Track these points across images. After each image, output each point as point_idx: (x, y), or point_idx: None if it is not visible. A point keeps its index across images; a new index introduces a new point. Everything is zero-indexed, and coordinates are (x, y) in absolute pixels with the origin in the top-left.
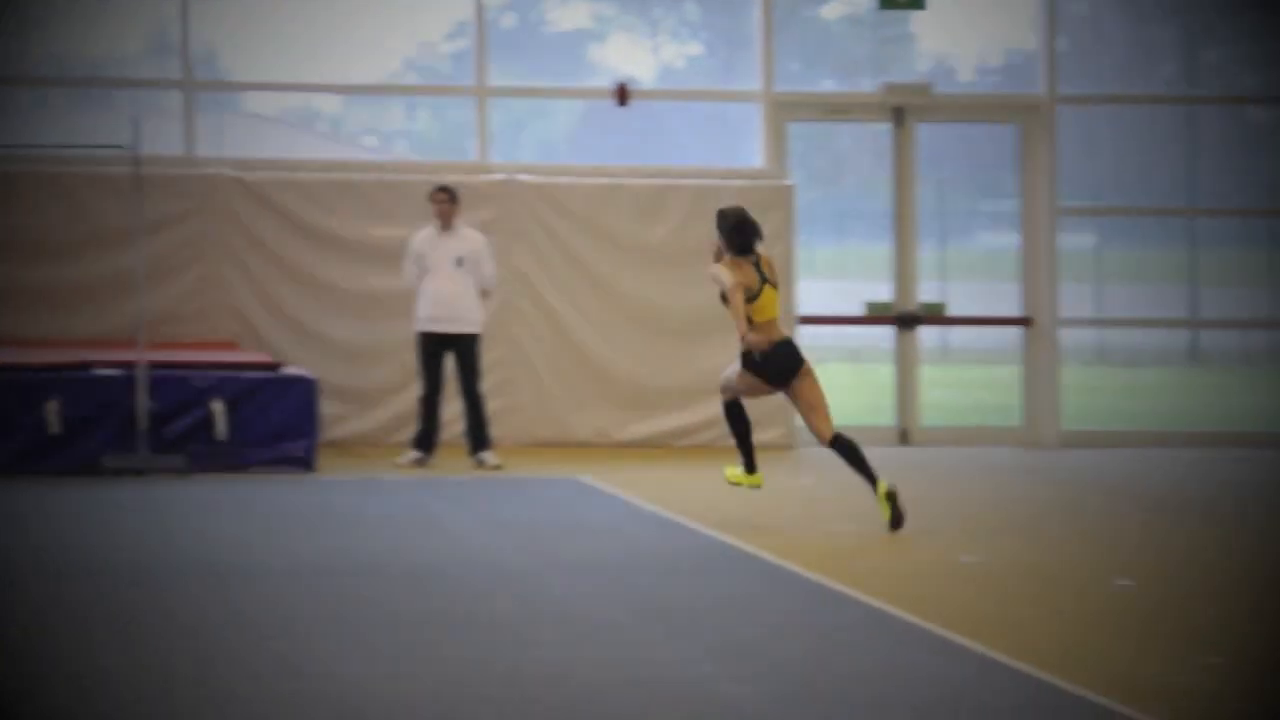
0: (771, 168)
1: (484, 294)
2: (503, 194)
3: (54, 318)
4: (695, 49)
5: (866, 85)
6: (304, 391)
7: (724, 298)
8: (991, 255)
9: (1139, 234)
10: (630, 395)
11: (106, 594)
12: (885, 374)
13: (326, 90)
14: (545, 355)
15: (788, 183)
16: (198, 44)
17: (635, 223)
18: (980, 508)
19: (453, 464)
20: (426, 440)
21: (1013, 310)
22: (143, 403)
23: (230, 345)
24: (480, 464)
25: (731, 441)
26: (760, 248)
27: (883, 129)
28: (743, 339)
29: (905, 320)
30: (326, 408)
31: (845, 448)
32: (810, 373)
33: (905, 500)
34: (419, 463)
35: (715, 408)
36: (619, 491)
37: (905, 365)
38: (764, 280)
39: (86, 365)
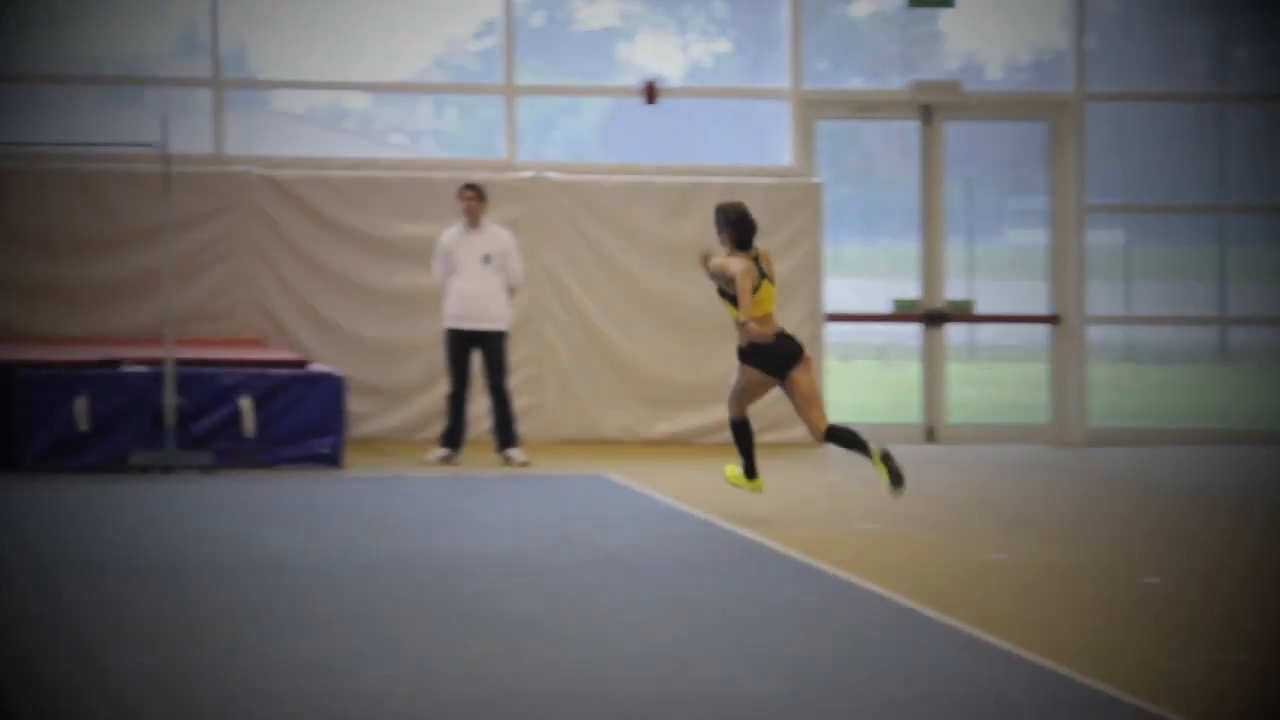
0: (800, 165)
1: (512, 291)
2: (531, 192)
3: (83, 315)
4: (723, 47)
5: (895, 83)
6: (331, 389)
7: (723, 293)
8: (1020, 253)
9: (1168, 231)
10: (657, 393)
11: (133, 590)
12: (912, 372)
13: (355, 88)
14: (572, 353)
15: (816, 180)
16: (227, 43)
17: (663, 221)
18: (1007, 505)
19: (480, 461)
20: (454, 437)
21: (1041, 308)
22: (171, 400)
23: (258, 343)
24: (507, 461)
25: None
26: (759, 243)
27: (911, 127)
28: (744, 328)
29: (933, 318)
30: (354, 405)
31: (840, 435)
32: (809, 364)
33: (934, 498)
34: (446, 460)
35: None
36: (646, 489)
37: (933, 363)
38: (763, 275)
39: (115, 363)
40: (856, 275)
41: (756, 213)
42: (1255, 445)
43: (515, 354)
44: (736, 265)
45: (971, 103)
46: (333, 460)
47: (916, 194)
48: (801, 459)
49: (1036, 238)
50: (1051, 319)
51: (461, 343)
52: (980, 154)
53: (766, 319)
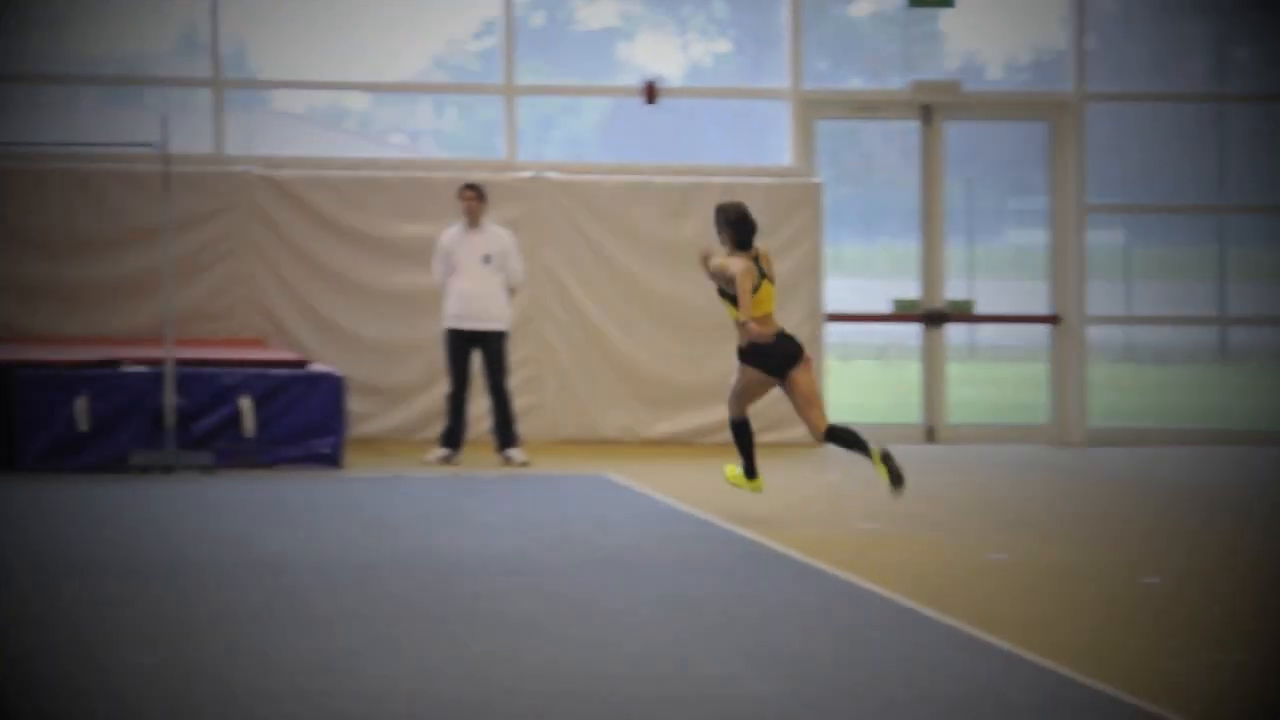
0: (799, 165)
1: (512, 291)
2: (530, 192)
3: (83, 315)
4: (723, 47)
5: (895, 83)
6: (331, 389)
7: (723, 293)
8: (1020, 253)
9: (1168, 231)
10: (657, 393)
11: (133, 590)
12: (912, 371)
13: (355, 88)
14: (572, 353)
15: (816, 180)
16: (227, 43)
17: (663, 221)
18: (1007, 505)
19: (480, 461)
20: (454, 437)
21: (1041, 308)
22: (171, 400)
23: (258, 343)
24: (507, 461)
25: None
26: (759, 243)
27: (911, 127)
28: (744, 327)
29: (933, 318)
30: (354, 405)
31: (840, 435)
32: (809, 364)
33: (934, 498)
34: (446, 460)
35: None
36: (646, 489)
37: (933, 363)
38: (763, 275)
39: (115, 363)
40: (856, 275)
41: (756, 213)
42: (1255, 445)
43: (515, 354)
44: (737, 265)
45: (971, 103)
46: (333, 460)
47: (916, 194)
48: (801, 459)
49: (1036, 238)
50: (1051, 319)
51: (461, 343)
52: (980, 154)
53: (767, 319)
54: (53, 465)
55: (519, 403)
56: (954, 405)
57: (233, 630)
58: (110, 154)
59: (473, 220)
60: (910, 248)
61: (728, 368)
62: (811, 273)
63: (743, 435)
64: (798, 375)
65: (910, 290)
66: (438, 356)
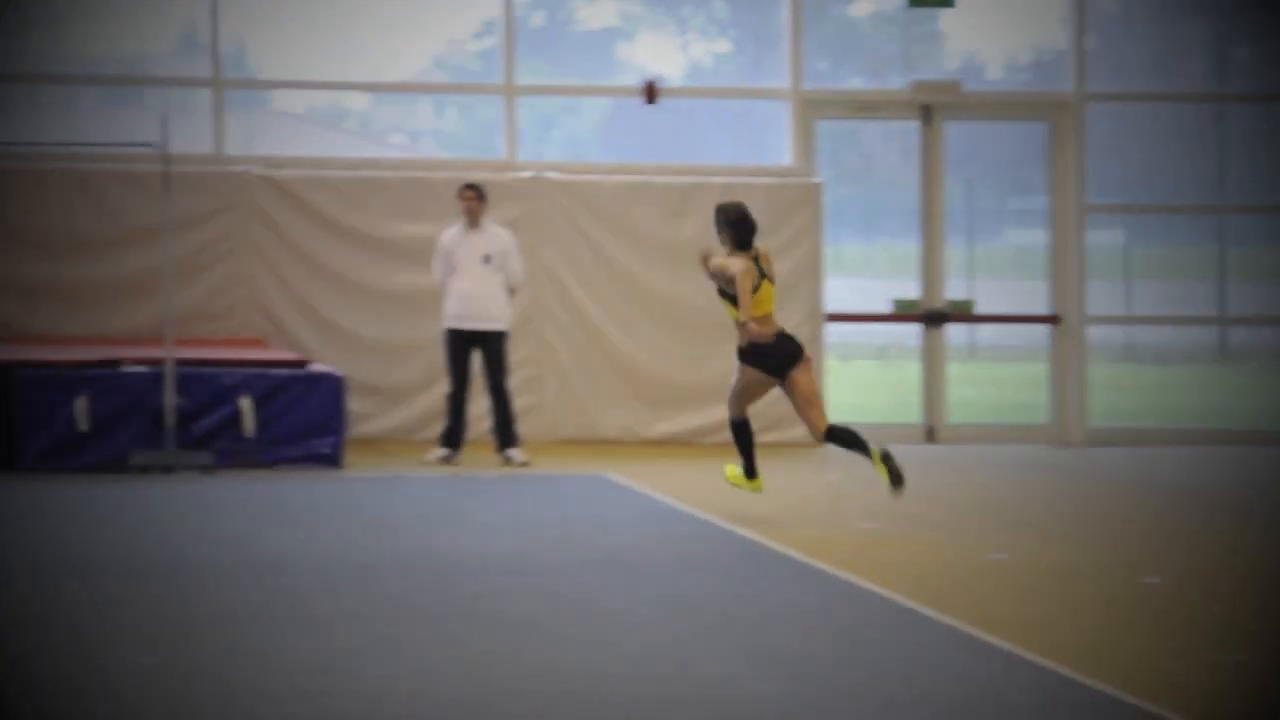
0: (799, 165)
1: (512, 291)
2: (531, 192)
3: (83, 315)
4: (723, 47)
5: (895, 83)
6: (331, 389)
7: (723, 293)
8: (1020, 253)
9: (1168, 231)
10: (657, 393)
11: (133, 590)
12: (912, 372)
13: (355, 88)
14: (572, 353)
15: (816, 180)
16: (227, 43)
17: (663, 221)
18: (1007, 505)
19: (480, 461)
20: (454, 437)
21: (1041, 308)
22: (171, 400)
23: (258, 343)
24: (507, 461)
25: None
26: (759, 242)
27: (911, 127)
28: (744, 327)
29: (933, 318)
30: (354, 405)
31: (840, 435)
32: (809, 363)
33: (934, 498)
34: (446, 460)
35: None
36: (646, 489)
37: (933, 363)
38: (762, 275)
39: (115, 363)
40: (856, 275)
41: (756, 213)
42: (1255, 445)
43: (515, 354)
44: (737, 265)
45: (971, 103)
46: (333, 460)
47: (916, 194)
48: (801, 459)
49: (1036, 238)
50: (1051, 319)
51: (461, 343)
52: (980, 154)
53: (766, 319)
54: (53, 465)
55: (519, 403)
56: (954, 405)
57: (233, 630)
58: (110, 154)
59: (473, 220)
60: (910, 248)
61: (728, 368)
62: (811, 273)
63: (743, 435)
64: (798, 375)
65: (910, 290)
66: (438, 356)
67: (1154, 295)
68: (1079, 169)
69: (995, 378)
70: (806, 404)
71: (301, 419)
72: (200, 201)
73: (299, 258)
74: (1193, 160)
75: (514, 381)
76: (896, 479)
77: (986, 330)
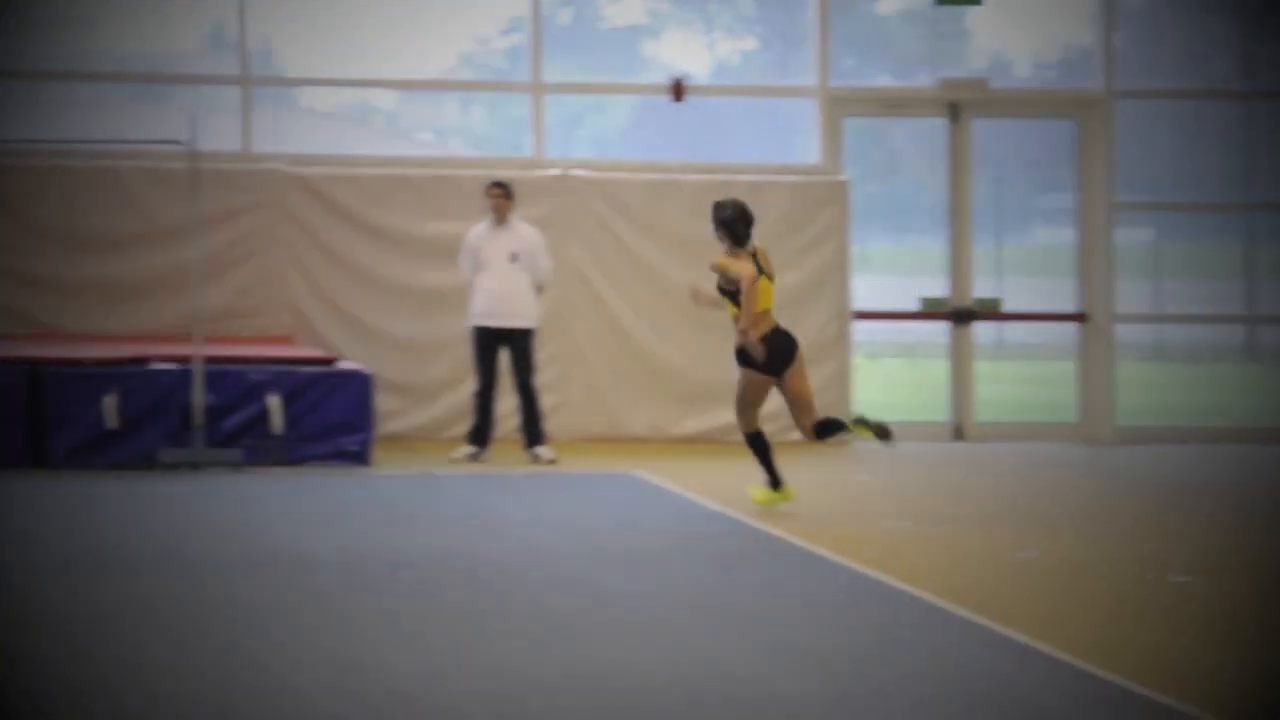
0: (826, 163)
1: (539, 289)
2: (558, 189)
3: (111, 313)
4: (750, 44)
5: (922, 80)
6: (359, 386)
7: (722, 290)
8: (1048, 250)
9: (1196, 229)
10: (684, 390)
11: (162, 588)
12: (940, 369)
13: (383, 86)
14: (600, 350)
15: (843, 178)
16: (255, 40)
17: (690, 218)
18: (1035, 504)
19: (507, 459)
20: (481, 435)
21: (1069, 306)
22: (199, 397)
23: (286, 340)
24: (535, 459)
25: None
26: (756, 239)
27: (939, 124)
28: (743, 334)
29: (961, 316)
30: (382, 402)
31: (824, 428)
32: (801, 362)
33: (962, 496)
34: (474, 457)
35: (769, 404)
36: (673, 486)
37: (960, 361)
38: (761, 272)
39: (144, 360)
40: (884, 273)
41: (783, 210)
42: None
43: (542, 352)
44: (743, 270)
45: (999, 100)
46: (361, 458)
47: (944, 192)
48: (829, 458)
49: (1064, 235)
50: (1079, 317)
51: (489, 340)
52: (1008, 151)
53: (764, 316)
54: (82, 462)
55: (546, 400)
56: (982, 403)
57: (262, 627)
58: (139, 151)
59: (500, 218)
60: (938, 245)
61: None
62: (838, 270)
63: (759, 448)
64: (792, 378)
65: (938, 288)
66: (465, 354)
67: (1182, 293)
68: (1107, 166)
69: (1023, 376)
70: (799, 408)
71: (329, 416)
72: (228, 199)
73: (327, 255)
74: (1221, 157)
75: (541, 379)
76: (883, 433)
77: (1014, 328)
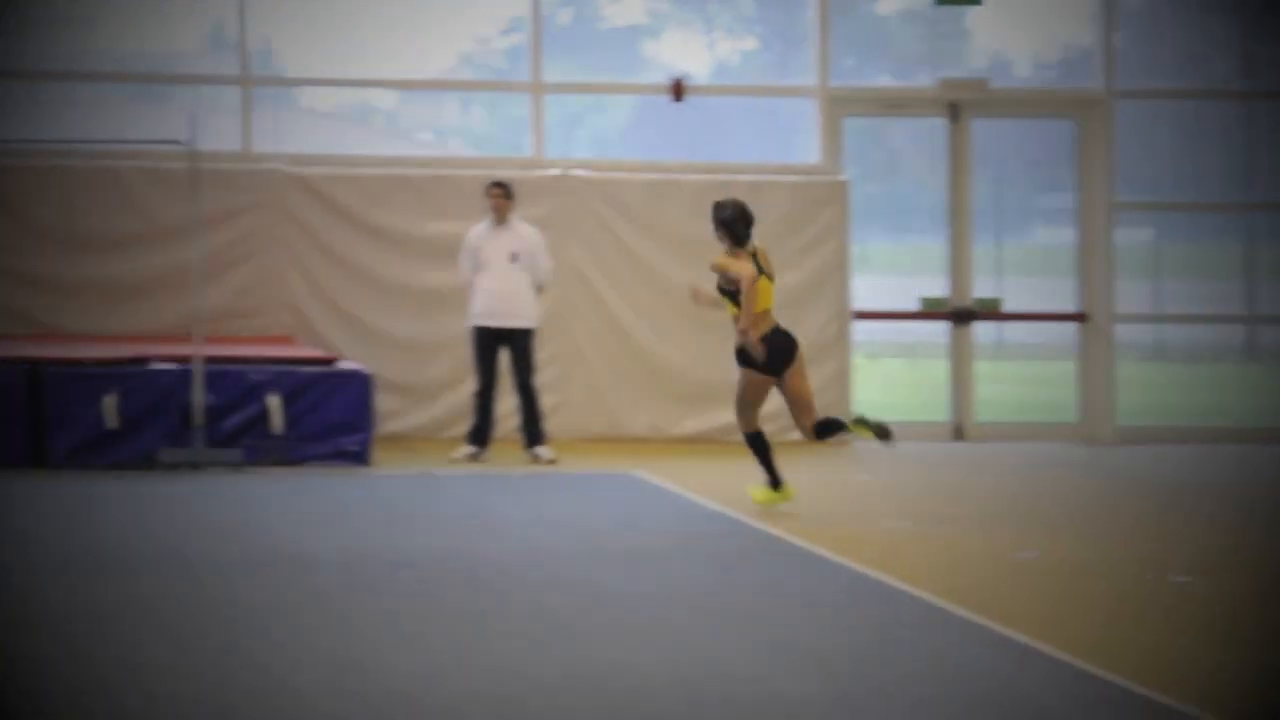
0: (826, 163)
1: (539, 289)
2: (558, 189)
3: (111, 313)
4: (750, 44)
5: (922, 80)
6: (359, 386)
7: (722, 290)
8: (1048, 250)
9: (1196, 229)
10: (684, 390)
11: (161, 588)
12: (940, 369)
13: (383, 86)
14: (600, 350)
15: (843, 178)
16: (255, 40)
17: (690, 218)
18: (1035, 504)
19: (507, 459)
20: (481, 435)
21: (1069, 306)
22: (199, 397)
23: (286, 340)
24: (535, 459)
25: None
26: (756, 239)
27: (938, 124)
28: (744, 334)
29: (961, 316)
30: (382, 402)
31: (824, 428)
32: (801, 362)
33: (962, 496)
34: (474, 457)
35: (769, 403)
36: (673, 486)
37: (960, 361)
38: (761, 272)
39: (143, 360)
40: (884, 273)
41: (783, 210)
42: None
43: (542, 352)
44: (743, 270)
45: (999, 100)
46: (361, 458)
47: (944, 191)
48: (829, 458)
49: (1064, 235)
50: (1079, 317)
51: (489, 340)
52: (1008, 151)
53: (764, 315)
54: (82, 462)
55: (546, 400)
56: (982, 403)
57: (262, 627)
58: (139, 151)
59: (500, 218)
60: (938, 245)
61: None
62: (838, 270)
63: (759, 448)
64: (791, 378)
65: (938, 288)
66: (465, 354)
67: (1182, 293)
68: (1107, 166)
69: (1023, 376)
70: (799, 408)
71: (329, 416)
72: (228, 199)
73: (327, 255)
74: (1221, 157)
75: (541, 379)
76: (883, 433)
77: (1014, 328)
